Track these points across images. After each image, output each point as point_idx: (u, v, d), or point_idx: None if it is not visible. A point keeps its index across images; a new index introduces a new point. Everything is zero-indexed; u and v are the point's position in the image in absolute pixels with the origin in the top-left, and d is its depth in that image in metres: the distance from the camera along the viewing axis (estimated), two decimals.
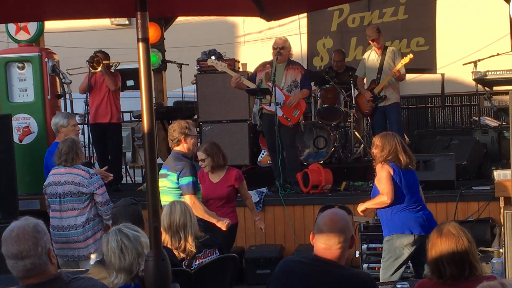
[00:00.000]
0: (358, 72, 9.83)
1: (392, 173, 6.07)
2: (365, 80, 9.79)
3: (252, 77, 9.12)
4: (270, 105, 8.77)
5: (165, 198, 6.17)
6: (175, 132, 6.43)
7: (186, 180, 6.29)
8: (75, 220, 6.75)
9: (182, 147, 6.46)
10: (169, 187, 6.34)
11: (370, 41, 9.59)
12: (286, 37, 9.34)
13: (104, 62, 9.55)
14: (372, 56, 9.55)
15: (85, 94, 9.73)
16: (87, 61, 9.85)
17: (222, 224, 6.41)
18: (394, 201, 6.07)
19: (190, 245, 5.07)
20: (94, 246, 6.76)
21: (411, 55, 9.26)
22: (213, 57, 9.63)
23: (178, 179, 6.30)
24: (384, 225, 6.20)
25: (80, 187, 6.73)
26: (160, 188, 6.13)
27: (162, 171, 6.40)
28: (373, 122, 9.83)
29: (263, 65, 9.12)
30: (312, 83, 11.29)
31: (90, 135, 9.89)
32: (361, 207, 6.35)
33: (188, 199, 6.23)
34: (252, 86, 8.94)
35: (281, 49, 8.90)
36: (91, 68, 9.54)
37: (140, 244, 3.90)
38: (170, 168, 6.38)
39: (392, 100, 9.44)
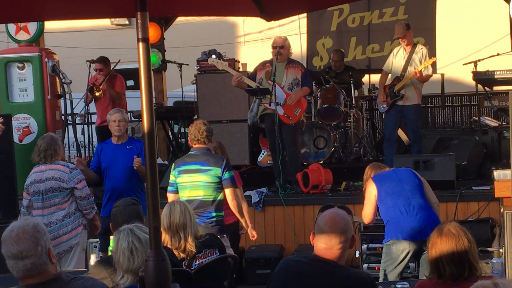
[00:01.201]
0: (384, 66, 9.65)
1: (376, 192, 6.10)
2: (389, 76, 9.64)
3: (252, 76, 9.12)
4: (270, 105, 8.78)
5: (202, 193, 6.39)
6: (205, 131, 6.52)
7: (230, 174, 6.43)
8: (58, 215, 6.78)
9: (209, 145, 6.61)
10: (207, 181, 6.40)
11: (397, 38, 9.47)
12: (285, 36, 9.32)
13: (101, 89, 9.59)
14: (400, 53, 9.33)
15: (86, 94, 9.74)
16: (87, 61, 9.87)
17: (252, 232, 6.67)
18: (387, 210, 6.08)
19: (190, 245, 5.07)
20: (75, 240, 6.79)
21: (434, 58, 9.11)
22: (213, 56, 9.63)
23: (222, 173, 6.40)
24: (385, 229, 6.19)
25: (61, 182, 6.76)
26: (190, 184, 6.40)
27: (192, 167, 6.47)
28: (386, 118, 9.67)
29: (263, 64, 9.12)
30: (312, 83, 11.31)
31: (97, 136, 9.92)
32: None
33: (231, 192, 6.41)
34: (252, 84, 8.94)
35: (281, 48, 8.90)
36: (91, 95, 9.64)
37: None
38: (209, 163, 6.44)
39: (411, 100, 9.19)
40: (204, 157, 6.50)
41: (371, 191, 6.13)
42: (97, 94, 9.65)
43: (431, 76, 9.32)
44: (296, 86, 8.94)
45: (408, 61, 9.20)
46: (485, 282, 2.60)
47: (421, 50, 9.26)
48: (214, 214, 6.44)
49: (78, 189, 6.82)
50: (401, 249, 5.97)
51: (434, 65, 12.07)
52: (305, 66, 12.18)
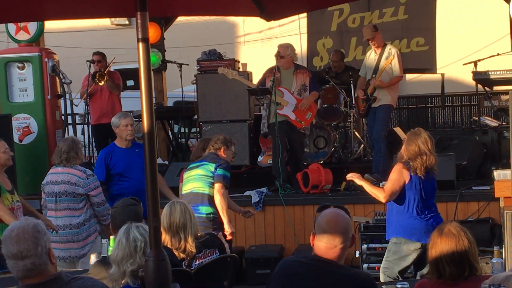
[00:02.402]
0: (360, 71, 9.72)
1: (407, 177, 5.94)
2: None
3: (262, 83, 9.20)
4: (282, 109, 8.89)
5: (193, 185, 6.61)
6: (218, 140, 6.85)
7: (223, 171, 6.61)
8: (70, 220, 6.74)
9: (220, 152, 6.84)
10: (201, 174, 6.63)
11: (366, 41, 9.50)
12: (287, 43, 9.35)
13: (105, 75, 9.58)
14: (371, 55, 9.38)
15: (87, 86, 9.75)
16: (87, 61, 9.87)
17: (229, 229, 6.61)
18: (405, 206, 5.99)
19: (190, 246, 5.07)
20: (87, 247, 6.76)
21: (391, 57, 8.96)
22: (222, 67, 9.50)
23: (215, 169, 6.58)
24: (392, 226, 6.12)
25: (76, 187, 6.73)
26: (186, 179, 6.63)
27: (193, 165, 6.79)
28: (368, 124, 9.78)
29: (270, 71, 9.16)
30: None
31: (92, 136, 9.91)
32: (355, 178, 6.19)
33: (218, 187, 6.55)
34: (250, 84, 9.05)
35: (282, 58, 8.99)
36: (94, 83, 9.62)
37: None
38: (207, 159, 6.72)
39: (383, 101, 9.14)
40: (208, 157, 6.78)
41: (401, 172, 5.98)
42: (100, 83, 9.63)
43: (400, 76, 9.24)
44: (303, 92, 9.09)
45: (379, 62, 9.18)
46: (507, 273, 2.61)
47: (389, 50, 9.21)
48: (203, 209, 6.52)
49: (93, 196, 6.79)
50: (412, 249, 5.96)
51: (434, 64, 12.15)
52: (305, 66, 12.25)
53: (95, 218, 6.86)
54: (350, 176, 6.29)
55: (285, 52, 9.01)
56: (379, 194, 6.05)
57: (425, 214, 6.00)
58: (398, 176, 5.97)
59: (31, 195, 8.72)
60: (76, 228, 6.73)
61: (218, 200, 6.53)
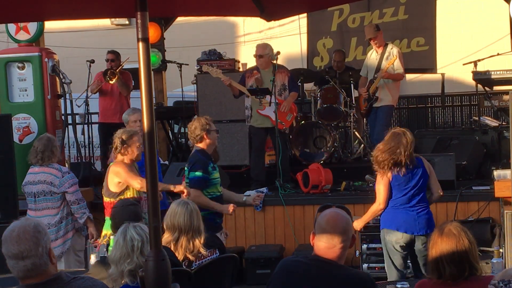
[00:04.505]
0: (361, 71, 9.71)
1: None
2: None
3: (241, 81, 9.18)
4: (264, 109, 8.92)
5: None
6: (197, 129, 6.42)
7: (194, 174, 6.33)
8: (50, 219, 6.78)
9: (204, 144, 6.45)
10: (186, 181, 6.43)
11: (368, 40, 9.50)
12: (265, 43, 9.41)
13: (117, 73, 9.58)
14: (372, 55, 9.38)
15: (85, 94, 9.76)
16: (87, 61, 9.87)
17: (228, 209, 6.38)
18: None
19: (202, 249, 5.02)
20: (63, 246, 6.77)
21: (395, 57, 9.05)
22: (212, 65, 9.58)
23: (189, 173, 6.37)
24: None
25: (52, 186, 6.77)
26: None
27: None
28: (368, 122, 9.78)
29: (250, 71, 9.24)
30: (312, 83, 11.34)
31: (99, 134, 9.93)
32: (359, 223, 6.30)
33: (192, 192, 6.28)
34: (243, 90, 9.03)
35: (260, 57, 9.05)
36: (105, 80, 9.62)
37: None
38: (187, 163, 6.50)
39: (384, 101, 9.15)
40: (189, 158, 6.59)
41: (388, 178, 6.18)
42: (111, 81, 9.63)
43: (402, 75, 9.26)
44: (284, 92, 9.11)
45: (380, 62, 9.17)
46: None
47: (391, 49, 9.21)
48: None
49: (69, 193, 6.82)
50: (394, 239, 6.03)
51: (434, 64, 12.15)
52: (306, 66, 12.27)
53: (72, 216, 6.88)
54: None
55: (263, 52, 9.07)
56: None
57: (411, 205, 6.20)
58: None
59: None
60: (55, 226, 6.76)
61: (198, 203, 6.07)
